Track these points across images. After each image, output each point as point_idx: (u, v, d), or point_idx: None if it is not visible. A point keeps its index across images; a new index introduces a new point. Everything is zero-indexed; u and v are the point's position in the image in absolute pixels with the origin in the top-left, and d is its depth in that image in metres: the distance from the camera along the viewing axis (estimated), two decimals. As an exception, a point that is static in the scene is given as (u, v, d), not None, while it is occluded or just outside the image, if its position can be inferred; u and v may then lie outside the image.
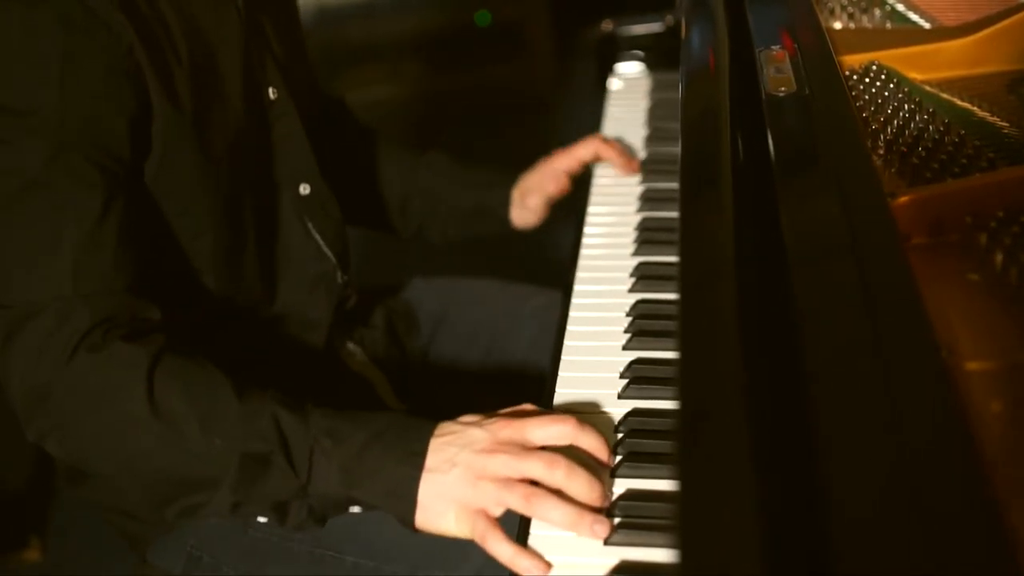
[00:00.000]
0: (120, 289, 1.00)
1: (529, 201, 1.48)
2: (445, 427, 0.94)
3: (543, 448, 0.91)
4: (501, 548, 0.86)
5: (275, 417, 0.94)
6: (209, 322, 1.17)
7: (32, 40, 0.98)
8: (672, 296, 1.13)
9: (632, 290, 1.18)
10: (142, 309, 1.02)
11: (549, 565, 0.84)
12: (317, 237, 1.27)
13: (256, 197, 1.20)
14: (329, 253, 1.29)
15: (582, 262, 1.28)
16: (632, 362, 1.04)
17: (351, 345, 1.40)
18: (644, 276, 1.20)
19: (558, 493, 0.87)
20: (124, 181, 1.03)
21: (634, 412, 0.97)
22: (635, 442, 0.93)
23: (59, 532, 2.13)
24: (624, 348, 1.07)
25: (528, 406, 0.97)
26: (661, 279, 1.18)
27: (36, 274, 0.98)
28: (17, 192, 0.98)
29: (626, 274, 1.21)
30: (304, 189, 1.26)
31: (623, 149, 1.49)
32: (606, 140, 1.50)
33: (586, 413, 0.96)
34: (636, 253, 1.27)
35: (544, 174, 1.48)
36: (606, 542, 0.84)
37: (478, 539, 0.88)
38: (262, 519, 0.99)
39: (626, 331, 1.10)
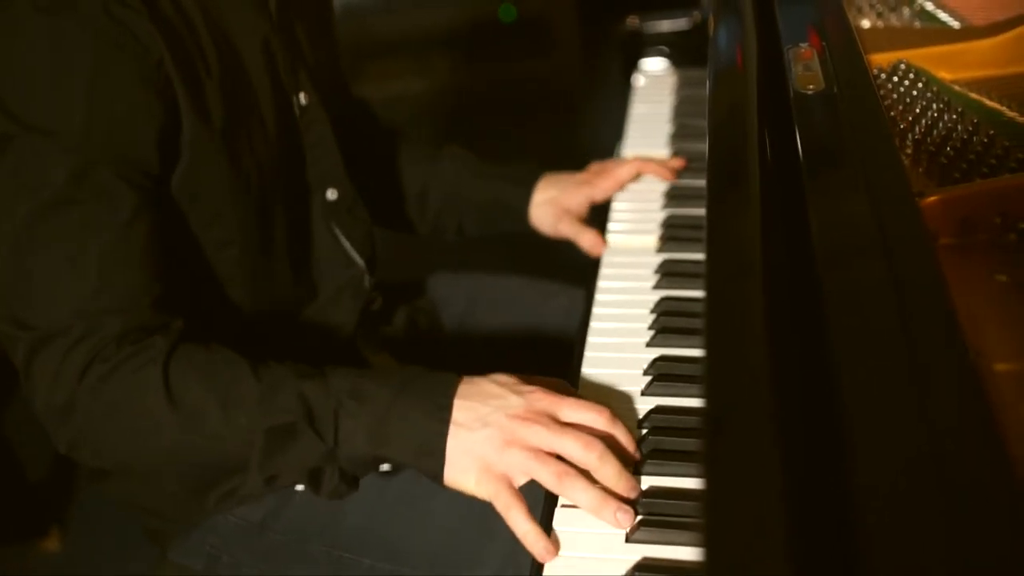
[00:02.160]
0: (145, 305, 0.99)
1: (563, 227, 1.40)
2: (474, 382, 0.94)
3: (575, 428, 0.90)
4: (520, 522, 0.86)
5: (295, 387, 0.95)
6: (235, 329, 1.16)
7: (59, 54, 0.96)
8: (696, 293, 1.13)
9: (656, 287, 1.18)
10: (166, 322, 1.00)
11: (556, 551, 0.84)
12: (345, 242, 1.27)
13: (285, 204, 1.18)
14: (357, 258, 1.28)
15: (606, 258, 1.28)
16: (656, 359, 1.04)
17: (373, 342, 1.39)
18: (669, 273, 1.19)
19: (585, 475, 0.87)
20: (151, 194, 1.01)
21: (657, 409, 0.96)
22: (658, 439, 0.92)
23: (79, 523, 2.14)
24: (648, 345, 1.07)
25: (560, 381, 0.97)
26: (686, 276, 1.18)
27: (59, 295, 0.96)
28: (42, 210, 0.95)
29: (650, 271, 1.21)
30: (331, 194, 1.24)
31: (660, 162, 1.44)
32: (643, 159, 1.44)
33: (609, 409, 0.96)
34: (661, 250, 1.26)
35: (585, 199, 1.41)
36: (628, 539, 0.84)
37: (500, 508, 0.88)
38: (299, 487, 0.98)
39: (650, 328, 1.10)
